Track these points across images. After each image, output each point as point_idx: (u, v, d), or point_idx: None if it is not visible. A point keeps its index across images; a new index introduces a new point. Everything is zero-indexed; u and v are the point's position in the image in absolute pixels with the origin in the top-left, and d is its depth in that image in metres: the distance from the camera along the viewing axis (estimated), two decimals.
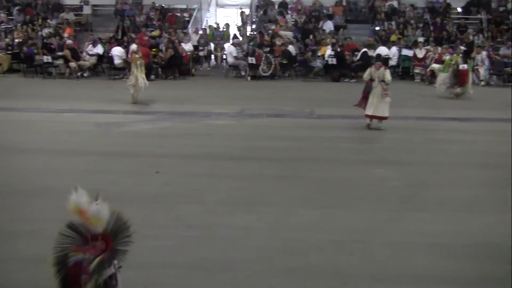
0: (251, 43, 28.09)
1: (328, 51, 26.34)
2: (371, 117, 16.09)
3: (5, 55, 28.00)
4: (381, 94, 15.74)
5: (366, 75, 16.30)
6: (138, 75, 19.42)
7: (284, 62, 26.33)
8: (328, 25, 30.20)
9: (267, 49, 26.39)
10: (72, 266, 4.79)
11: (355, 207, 10.28)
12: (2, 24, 31.31)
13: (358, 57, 26.00)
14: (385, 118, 16.00)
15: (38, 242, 8.72)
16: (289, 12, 32.19)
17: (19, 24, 30.94)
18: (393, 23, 30.50)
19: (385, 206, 10.33)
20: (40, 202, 10.46)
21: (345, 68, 26.21)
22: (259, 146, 14.25)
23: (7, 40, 29.47)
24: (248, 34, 30.61)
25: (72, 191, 4.80)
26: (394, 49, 26.86)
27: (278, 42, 27.32)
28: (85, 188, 4.95)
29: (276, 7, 32.11)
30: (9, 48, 28.70)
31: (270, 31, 28.70)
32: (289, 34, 28.47)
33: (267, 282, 7.53)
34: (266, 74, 25.65)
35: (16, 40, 29.09)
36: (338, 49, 26.29)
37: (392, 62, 26.07)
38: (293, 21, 30.99)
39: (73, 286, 4.81)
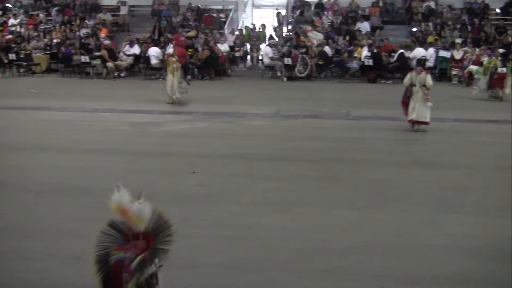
0: (287, 44, 28.06)
1: (365, 52, 26.24)
2: (415, 122, 15.98)
3: (44, 55, 28.35)
4: (422, 99, 15.63)
5: (406, 80, 16.16)
6: (174, 80, 19.52)
7: (320, 63, 26.29)
8: (365, 26, 30.08)
9: (303, 50, 26.36)
10: (114, 264, 4.82)
11: (391, 209, 10.23)
12: (41, 25, 31.70)
13: (394, 58, 25.86)
14: (426, 123, 15.88)
15: (77, 240, 8.83)
16: (325, 13, 32.11)
17: (57, 25, 31.31)
18: (430, 24, 30.26)
19: (421, 208, 10.26)
20: (79, 201, 10.58)
21: (381, 69, 26.10)
22: (295, 147, 14.24)
23: (45, 40, 29.86)
24: (284, 35, 30.61)
25: (115, 190, 4.84)
26: (431, 50, 26.66)
27: (307, 42, 27.29)
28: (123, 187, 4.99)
29: (313, 8, 32.05)
30: (48, 48, 29.06)
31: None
32: (319, 36, 28.27)
33: (303, 283, 7.52)
34: (302, 75, 25.63)
35: (55, 40, 29.44)
36: (375, 50, 26.18)
37: (429, 64, 25.84)
38: (329, 22, 30.91)
39: (114, 285, 4.84)
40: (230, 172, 12.24)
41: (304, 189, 11.21)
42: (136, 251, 4.74)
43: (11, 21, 32.07)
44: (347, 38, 28.41)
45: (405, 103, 16.04)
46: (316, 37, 27.94)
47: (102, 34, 29.57)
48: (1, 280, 7.63)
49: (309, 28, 29.12)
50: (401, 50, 25.79)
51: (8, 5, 34.28)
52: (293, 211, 10.06)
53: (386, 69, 26.00)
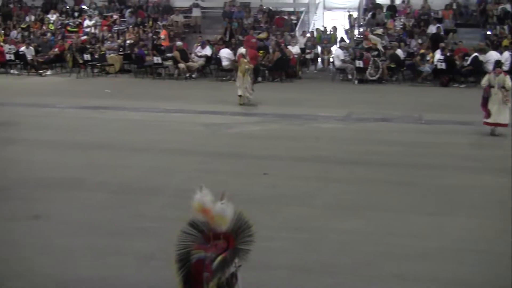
0: (359, 47, 27.89)
1: (438, 55, 25.85)
2: (494, 124, 15.70)
3: (117, 56, 28.85)
4: (501, 100, 15.37)
5: (484, 81, 15.90)
6: (244, 81, 19.61)
7: (392, 66, 26.03)
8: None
9: (375, 52, 26.14)
10: (194, 263, 4.89)
11: (465, 215, 10.07)
12: (115, 26, 32.27)
13: (468, 62, 25.40)
14: (505, 125, 15.59)
15: (151, 239, 8.99)
16: (397, 15, 31.78)
17: (130, 26, 31.80)
18: (506, 27, 29.58)
19: (495, 215, 10.07)
20: (152, 200, 10.77)
21: (454, 73, 25.66)
22: (366, 151, 14.12)
23: (119, 41, 30.39)
24: (355, 38, 30.42)
25: (197, 190, 4.91)
26: (506, 54, 26.04)
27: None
28: (195, 188, 5.05)
29: (385, 10, 31.76)
30: (121, 49, 29.57)
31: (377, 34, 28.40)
32: (378, 40, 27.87)
33: None
34: (374, 78, 25.43)
35: (128, 41, 29.94)
36: (448, 54, 25.78)
37: (504, 68, 25.28)
38: (401, 25, 30.59)
39: (195, 284, 4.91)
40: (301, 175, 12.23)
41: (376, 193, 11.13)
42: (217, 250, 4.79)
43: (86, 22, 32.77)
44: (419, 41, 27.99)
45: (484, 105, 15.76)
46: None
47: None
48: (75, 276, 7.81)
49: (381, 30, 28.88)
50: (475, 54, 25.31)
51: (83, 7, 35.02)
52: (365, 215, 10.00)
53: (459, 72, 25.55)
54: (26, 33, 31.66)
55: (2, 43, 29.18)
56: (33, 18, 33.62)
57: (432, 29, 29.24)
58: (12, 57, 28.31)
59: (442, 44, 26.54)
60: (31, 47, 28.48)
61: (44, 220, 9.87)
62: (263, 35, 29.60)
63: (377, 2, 32.04)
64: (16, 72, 28.61)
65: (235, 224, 4.88)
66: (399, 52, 26.48)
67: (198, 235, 4.90)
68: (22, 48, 28.38)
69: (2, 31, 31.69)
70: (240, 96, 19.83)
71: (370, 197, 10.90)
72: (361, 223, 9.62)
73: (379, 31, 28.76)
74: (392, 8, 32.01)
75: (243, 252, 4.94)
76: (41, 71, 28.12)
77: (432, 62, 25.96)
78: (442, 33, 28.65)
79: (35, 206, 10.42)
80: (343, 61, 26.57)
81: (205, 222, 4.88)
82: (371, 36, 27.95)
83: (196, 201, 4.81)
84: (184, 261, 4.93)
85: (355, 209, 10.26)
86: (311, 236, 9.05)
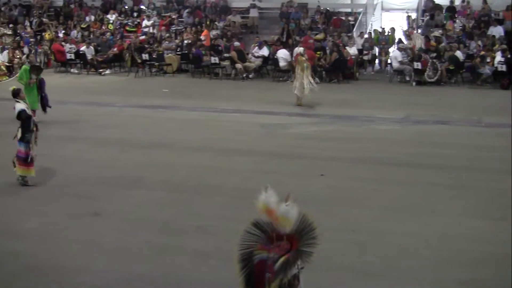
0: (417, 48, 27.55)
1: (498, 57, 25.40)
2: None
3: (175, 56, 29.08)
4: None
5: None
6: (304, 77, 19.55)
7: (451, 68, 25.66)
8: (498, 30, 29.12)
9: (434, 54, 25.82)
10: (257, 264, 4.90)
11: None
12: (173, 26, 32.56)
13: None
14: None
15: (209, 237, 9.07)
16: (457, 16, 31.33)
17: (188, 26, 32.03)
18: None
19: None
20: (209, 199, 10.85)
21: None
22: (425, 153, 13.96)
23: (177, 41, 30.64)
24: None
25: (262, 190, 4.93)
26: None
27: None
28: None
29: (444, 11, 31.33)
30: (179, 49, 29.81)
31: (435, 36, 28.03)
32: (419, 40, 27.47)
33: None
34: (432, 80, 25.07)
35: (185, 41, 30.16)
36: (509, 56, 25.31)
37: None
38: (460, 26, 30.15)
39: (257, 284, 4.92)
40: (358, 176, 12.18)
41: (435, 197, 11.01)
42: (280, 251, 4.79)
43: (145, 22, 33.13)
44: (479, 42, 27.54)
45: None
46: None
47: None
48: (135, 273, 7.92)
49: (440, 32, 28.53)
50: None
51: (142, 7, 35.42)
52: (424, 218, 9.92)
53: None
54: (86, 33, 32.18)
55: (63, 43, 29.68)
56: (93, 18, 34.14)
57: (492, 30, 28.76)
58: (73, 56, 28.83)
59: (503, 46, 26.08)
60: (91, 47, 28.94)
61: (103, 217, 10.04)
62: (320, 36, 29.49)
63: (436, 3, 31.63)
64: (76, 71, 29.08)
65: (299, 226, 4.88)
66: (458, 53, 26.09)
67: (261, 235, 4.91)
68: (82, 48, 28.85)
69: (63, 31, 32.24)
70: (297, 96, 19.79)
71: (429, 200, 10.78)
72: (419, 227, 9.54)
73: (438, 32, 28.41)
74: (451, 9, 31.55)
75: (306, 254, 4.93)
76: (100, 70, 28.54)
77: (492, 64, 25.53)
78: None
79: (95, 203, 10.62)
80: (401, 62, 26.26)
81: (269, 223, 4.89)
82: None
83: (261, 202, 4.82)
84: (247, 261, 4.94)
85: (413, 212, 10.18)
86: (369, 238, 9.02)
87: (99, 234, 9.30)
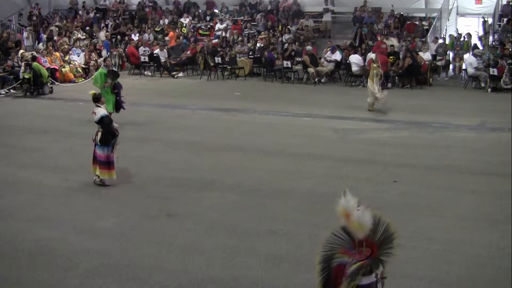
0: (494, 54, 27.00)
1: None
2: None
3: (248, 59, 29.28)
4: None
5: None
6: (374, 85, 19.41)
7: None
8: None
9: (510, 60, 25.26)
10: (335, 267, 4.90)
11: None
12: (245, 30, 32.75)
13: None
14: None
15: (282, 241, 9.07)
16: None
17: (261, 30, 32.18)
18: None
19: None
20: (281, 203, 10.86)
21: None
22: (502, 161, 13.59)
23: (249, 45, 30.83)
24: (490, 45, 29.48)
25: (342, 194, 4.92)
26: None
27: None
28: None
29: None
30: (251, 52, 29.99)
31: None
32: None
33: None
34: (508, 86, 24.50)
35: (258, 45, 30.32)
36: None
37: None
38: None
39: (333, 287, 4.92)
40: (433, 184, 11.98)
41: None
42: (360, 257, 4.78)
43: (218, 26, 33.47)
44: None
45: None
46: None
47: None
48: (207, 275, 7.97)
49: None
50: None
51: (215, 10, 35.75)
52: (500, 228, 9.68)
53: None
54: (160, 36, 32.65)
55: (138, 45, 30.24)
56: (166, 21, 34.61)
57: None
58: (147, 59, 29.31)
59: None
60: (164, 50, 29.36)
61: (176, 219, 10.15)
62: (391, 41, 29.12)
63: None
64: (149, 74, 29.60)
65: (382, 234, 4.85)
66: None
67: (347, 239, 4.90)
68: (156, 51, 29.32)
69: (138, 34, 32.77)
70: (370, 101, 19.65)
71: (506, 210, 10.50)
72: (495, 237, 9.32)
73: None
74: None
75: (381, 263, 4.90)
76: (174, 73, 28.92)
77: None
78: None
79: (168, 204, 10.75)
80: (476, 68, 25.81)
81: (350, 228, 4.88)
82: None
83: (341, 205, 4.81)
84: (327, 263, 4.93)
85: (490, 222, 9.95)
86: (444, 247, 8.86)
87: (172, 235, 9.40)
